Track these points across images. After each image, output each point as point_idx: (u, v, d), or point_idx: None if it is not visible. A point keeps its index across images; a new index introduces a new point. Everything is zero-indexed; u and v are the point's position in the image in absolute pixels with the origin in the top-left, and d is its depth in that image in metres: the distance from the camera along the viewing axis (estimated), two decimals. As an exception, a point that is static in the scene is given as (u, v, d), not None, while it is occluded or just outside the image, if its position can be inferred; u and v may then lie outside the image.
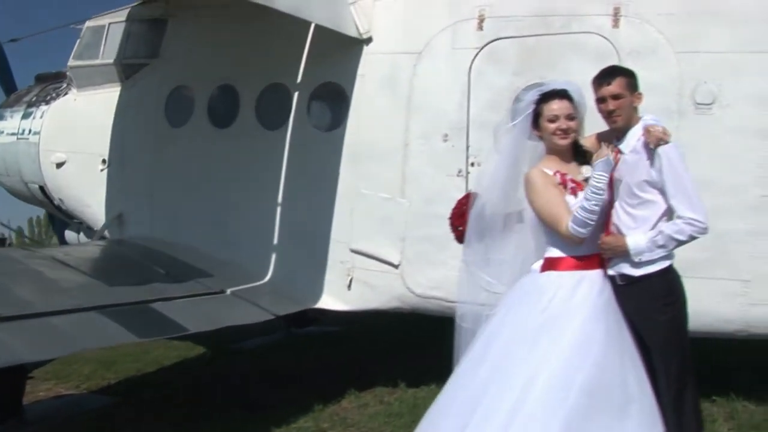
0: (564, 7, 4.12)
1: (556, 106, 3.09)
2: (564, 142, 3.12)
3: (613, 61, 3.94)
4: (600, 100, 3.09)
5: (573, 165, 3.19)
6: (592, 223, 2.97)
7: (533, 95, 3.17)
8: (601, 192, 2.98)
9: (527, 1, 4.22)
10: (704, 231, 2.97)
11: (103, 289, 4.13)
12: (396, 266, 4.46)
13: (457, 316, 3.28)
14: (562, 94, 3.13)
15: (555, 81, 3.31)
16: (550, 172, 3.10)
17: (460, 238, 3.36)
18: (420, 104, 4.40)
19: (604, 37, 4.00)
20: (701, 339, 3.58)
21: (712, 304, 3.82)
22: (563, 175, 3.13)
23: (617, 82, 3.07)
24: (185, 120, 5.32)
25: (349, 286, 4.65)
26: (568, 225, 2.98)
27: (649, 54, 3.91)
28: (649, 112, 3.85)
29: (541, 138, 3.17)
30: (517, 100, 3.44)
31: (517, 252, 3.28)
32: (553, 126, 3.09)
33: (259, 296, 4.58)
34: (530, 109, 3.15)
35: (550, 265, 3.15)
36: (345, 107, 4.64)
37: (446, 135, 4.30)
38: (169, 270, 4.68)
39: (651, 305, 3.00)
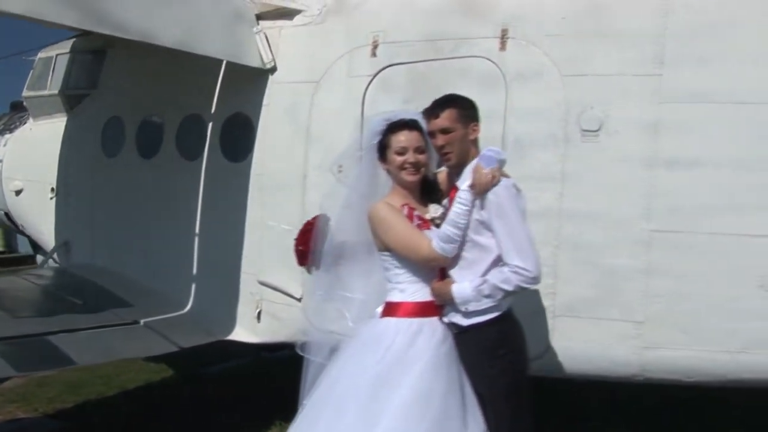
0: (454, 30, 3.92)
1: (404, 138, 2.95)
2: (413, 177, 2.99)
3: (500, 86, 3.75)
4: (431, 135, 2.94)
5: (421, 202, 3.05)
6: (458, 239, 2.80)
7: (379, 125, 3.04)
8: (467, 203, 2.79)
9: (419, 26, 4.04)
10: (533, 281, 2.77)
11: (5, 321, 4.22)
12: (298, 299, 4.38)
13: (301, 347, 3.20)
14: (412, 125, 2.99)
15: (405, 110, 3.16)
16: (397, 206, 2.97)
17: (300, 258, 3.26)
18: (317, 134, 4.29)
19: (492, 61, 3.78)
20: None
21: (606, 347, 3.57)
22: (411, 209, 2.99)
23: (446, 115, 2.91)
24: (118, 150, 5.40)
25: (259, 318, 4.60)
26: (433, 244, 2.82)
27: (535, 77, 3.67)
28: (536, 139, 3.69)
29: (388, 171, 3.03)
30: (365, 128, 3.29)
31: (368, 287, 3.14)
32: (400, 159, 2.95)
33: (172, 327, 4.58)
34: (376, 140, 3.02)
35: (389, 310, 3.02)
36: (252, 138, 4.58)
37: (341, 166, 4.18)
38: (87, 300, 4.76)
39: (479, 357, 2.84)
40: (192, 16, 4.23)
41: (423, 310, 2.93)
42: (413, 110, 3.05)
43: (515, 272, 2.73)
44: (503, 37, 3.77)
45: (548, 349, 3.66)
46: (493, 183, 2.76)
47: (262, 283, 4.55)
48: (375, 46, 4.14)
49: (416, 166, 2.95)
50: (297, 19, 4.47)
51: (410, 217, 2.93)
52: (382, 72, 4.11)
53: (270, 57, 4.49)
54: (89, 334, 4.30)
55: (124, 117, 5.40)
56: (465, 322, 2.83)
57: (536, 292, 3.61)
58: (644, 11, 3.52)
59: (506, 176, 2.83)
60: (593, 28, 3.61)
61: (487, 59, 3.80)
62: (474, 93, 3.74)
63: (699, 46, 3.41)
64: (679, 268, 3.43)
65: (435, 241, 2.82)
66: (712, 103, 3.36)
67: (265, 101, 4.53)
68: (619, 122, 3.50)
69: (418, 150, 2.93)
